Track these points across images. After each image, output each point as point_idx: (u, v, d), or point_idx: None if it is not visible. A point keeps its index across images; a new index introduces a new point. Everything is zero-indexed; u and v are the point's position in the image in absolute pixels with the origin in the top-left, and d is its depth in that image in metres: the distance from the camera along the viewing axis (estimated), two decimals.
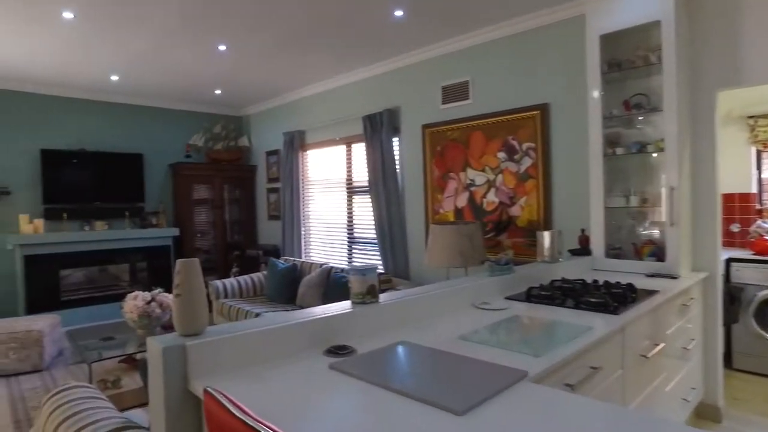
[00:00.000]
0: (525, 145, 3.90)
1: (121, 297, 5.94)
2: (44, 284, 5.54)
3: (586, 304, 2.14)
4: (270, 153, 6.74)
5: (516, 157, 3.97)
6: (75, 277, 5.95)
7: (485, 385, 1.25)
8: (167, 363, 1.30)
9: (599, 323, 1.88)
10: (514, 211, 4.00)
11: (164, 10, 3.59)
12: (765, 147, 4.29)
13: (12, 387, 4.02)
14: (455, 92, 4.39)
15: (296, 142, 6.05)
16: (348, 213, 5.60)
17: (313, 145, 5.98)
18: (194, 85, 5.77)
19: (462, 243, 3.51)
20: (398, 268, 4.82)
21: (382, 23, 3.91)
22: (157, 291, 3.94)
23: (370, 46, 4.46)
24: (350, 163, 5.58)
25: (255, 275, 5.59)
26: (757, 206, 4.32)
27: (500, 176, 4.08)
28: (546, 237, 2.89)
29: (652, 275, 2.89)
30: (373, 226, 5.10)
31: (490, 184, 4.15)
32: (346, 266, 5.34)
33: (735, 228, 4.34)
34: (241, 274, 5.86)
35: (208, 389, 1.05)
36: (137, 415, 2.15)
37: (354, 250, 5.56)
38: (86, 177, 5.95)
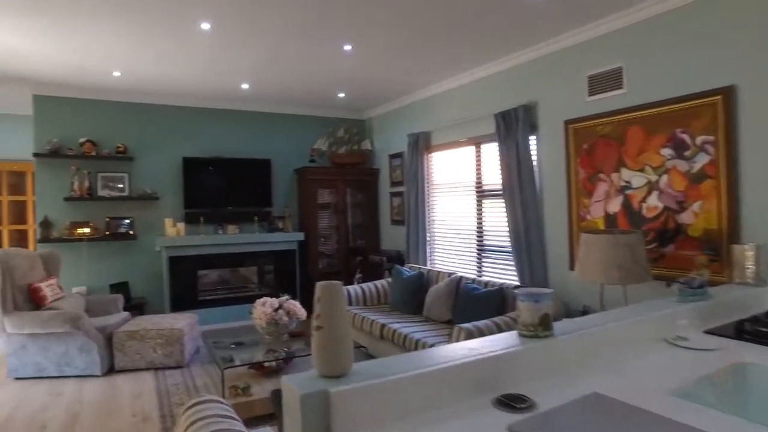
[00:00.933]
0: (700, 139, 3.23)
1: (250, 299, 6.15)
2: (185, 284, 5.89)
3: None
4: (393, 156, 6.57)
5: (687, 153, 3.31)
6: (209, 277, 6.27)
7: None
8: (306, 413, 1.05)
9: None
10: (685, 218, 3.34)
11: (290, 15, 3.52)
12: None
13: (159, 380, 4.24)
14: (605, 81, 3.82)
15: (421, 144, 5.80)
16: (477, 218, 5.22)
17: (438, 146, 5.68)
18: (318, 89, 5.78)
19: (620, 255, 2.98)
20: (535, 280, 4.33)
21: (519, 8, 3.49)
22: (284, 298, 3.90)
23: (503, 36, 4.05)
24: (479, 164, 5.20)
25: (379, 282, 5.42)
26: None
27: (665, 177, 3.44)
28: (747, 252, 2.29)
29: None
30: (507, 233, 4.66)
31: (652, 186, 3.53)
32: (475, 276, 4.96)
33: None
34: (364, 280, 5.75)
35: None
36: None
37: (483, 259, 5.17)
38: (220, 183, 6.25)
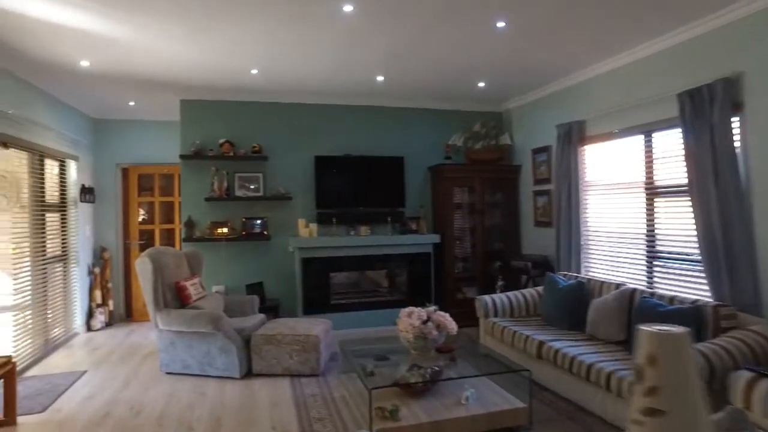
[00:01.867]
0: None
1: (380, 304, 5.88)
2: (317, 286, 5.73)
3: None
4: (537, 150, 5.88)
5: None
6: (338, 279, 6.07)
7: None
8: None
9: None
10: None
11: None
12: None
13: (296, 388, 4.04)
14: None
15: (574, 135, 5.05)
16: (647, 220, 4.38)
17: (596, 137, 4.90)
18: (456, 78, 5.29)
19: None
20: (740, 297, 3.44)
21: None
22: (432, 308, 3.46)
23: None
24: (650, 156, 4.36)
25: (527, 291, 4.78)
26: None
27: None
28: None
29: None
30: (693, 238, 3.81)
31: None
32: (645, 287, 4.15)
33: None
34: (506, 288, 5.15)
35: None
36: None
37: (655, 268, 4.32)
38: (351, 182, 6.03)
